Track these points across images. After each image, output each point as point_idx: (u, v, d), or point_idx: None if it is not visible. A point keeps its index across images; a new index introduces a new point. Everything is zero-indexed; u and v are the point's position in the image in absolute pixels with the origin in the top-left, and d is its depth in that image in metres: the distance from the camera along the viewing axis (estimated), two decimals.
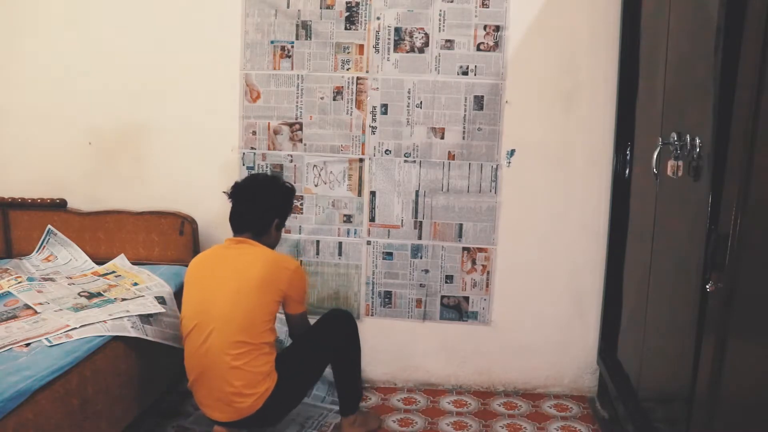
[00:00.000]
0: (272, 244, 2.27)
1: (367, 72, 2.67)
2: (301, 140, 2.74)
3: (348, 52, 2.67)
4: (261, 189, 2.24)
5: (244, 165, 2.77)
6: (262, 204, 2.21)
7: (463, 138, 2.68)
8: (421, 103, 2.67)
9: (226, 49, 2.70)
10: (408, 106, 2.68)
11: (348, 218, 2.77)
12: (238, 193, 2.23)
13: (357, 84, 2.68)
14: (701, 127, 1.60)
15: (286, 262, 2.19)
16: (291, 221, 2.74)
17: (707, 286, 1.47)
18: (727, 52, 1.45)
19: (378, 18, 2.64)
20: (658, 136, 1.92)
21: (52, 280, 2.45)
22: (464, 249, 2.75)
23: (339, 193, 2.75)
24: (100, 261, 2.70)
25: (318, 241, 2.78)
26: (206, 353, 2.06)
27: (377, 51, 2.65)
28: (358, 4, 2.64)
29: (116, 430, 2.06)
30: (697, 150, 1.61)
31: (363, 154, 2.72)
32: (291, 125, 2.74)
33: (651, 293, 2.08)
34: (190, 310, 2.14)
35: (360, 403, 2.45)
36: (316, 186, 2.75)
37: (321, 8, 2.65)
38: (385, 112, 2.69)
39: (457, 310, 2.80)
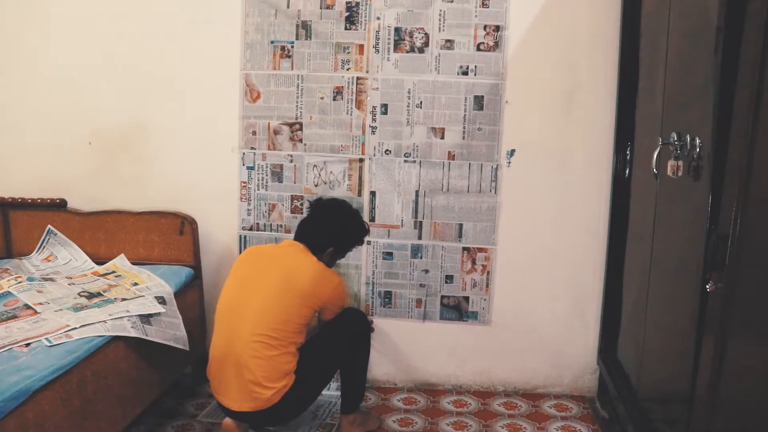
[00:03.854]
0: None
1: (367, 72, 2.67)
2: (301, 140, 2.74)
3: (348, 52, 2.67)
4: (328, 215, 2.35)
5: (244, 165, 2.77)
6: (321, 228, 2.32)
7: (463, 138, 2.68)
8: (421, 103, 2.67)
9: (226, 49, 2.70)
10: (408, 106, 2.68)
11: None
12: (313, 207, 2.39)
13: (357, 84, 2.68)
14: (701, 127, 1.60)
15: (331, 276, 2.26)
16: (291, 221, 2.75)
17: (707, 286, 1.47)
18: (727, 52, 1.45)
19: (378, 18, 2.64)
20: (658, 136, 1.92)
21: (52, 280, 2.45)
22: (464, 249, 2.75)
23: (339, 193, 2.75)
24: (100, 261, 2.69)
25: None
26: (234, 339, 2.10)
27: (377, 51, 2.65)
28: (358, 4, 2.64)
29: (116, 430, 2.06)
30: (697, 150, 1.61)
31: (363, 154, 2.72)
32: (291, 125, 2.74)
33: (651, 293, 2.08)
34: (227, 297, 2.20)
35: (361, 404, 2.45)
36: (316, 186, 2.75)
37: (321, 8, 2.65)
38: (385, 112, 2.69)
39: (457, 310, 2.80)
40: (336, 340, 2.29)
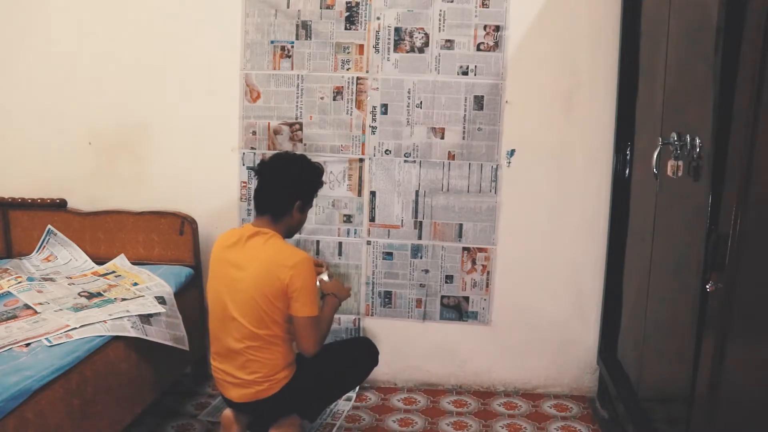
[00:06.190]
0: (294, 227, 2.18)
1: (367, 72, 2.67)
2: (301, 140, 2.74)
3: (348, 52, 2.67)
4: (282, 167, 2.13)
5: (244, 165, 2.77)
6: (281, 183, 2.10)
7: (463, 138, 2.68)
8: (421, 103, 2.67)
9: (226, 49, 2.70)
10: (408, 106, 2.68)
11: (348, 218, 2.77)
12: (260, 170, 2.14)
13: (357, 84, 2.68)
14: (701, 127, 1.60)
15: (286, 258, 2.02)
16: None
17: (707, 286, 1.47)
18: (726, 52, 1.45)
19: (378, 18, 2.64)
20: (658, 136, 1.92)
21: (52, 280, 2.45)
22: (464, 249, 2.75)
23: (339, 193, 2.75)
24: (100, 261, 2.70)
25: (318, 241, 2.78)
26: (227, 339, 2.05)
27: (377, 51, 2.65)
28: (358, 4, 2.64)
29: (116, 430, 2.06)
30: (697, 150, 1.62)
31: (363, 154, 2.72)
32: (291, 125, 2.74)
33: (651, 293, 2.08)
34: (212, 292, 2.11)
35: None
36: None
37: (321, 8, 2.65)
38: (385, 112, 2.69)
39: (457, 310, 2.80)
40: (344, 375, 2.25)
